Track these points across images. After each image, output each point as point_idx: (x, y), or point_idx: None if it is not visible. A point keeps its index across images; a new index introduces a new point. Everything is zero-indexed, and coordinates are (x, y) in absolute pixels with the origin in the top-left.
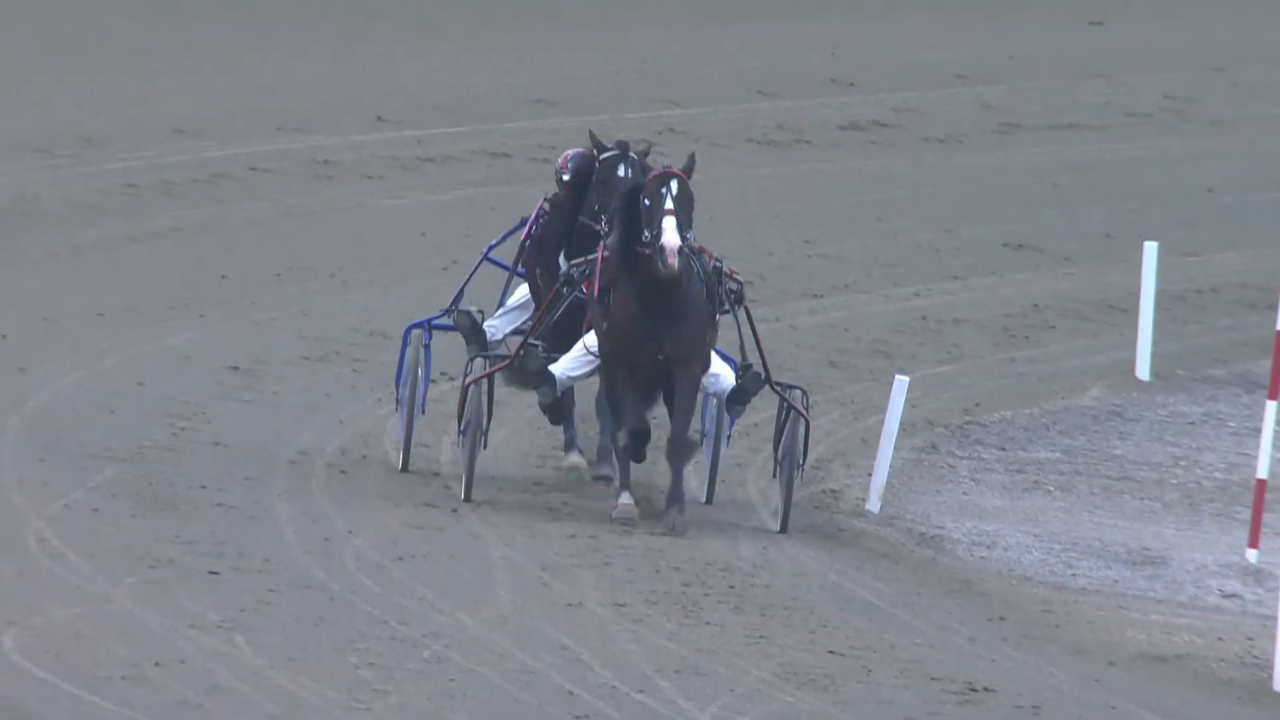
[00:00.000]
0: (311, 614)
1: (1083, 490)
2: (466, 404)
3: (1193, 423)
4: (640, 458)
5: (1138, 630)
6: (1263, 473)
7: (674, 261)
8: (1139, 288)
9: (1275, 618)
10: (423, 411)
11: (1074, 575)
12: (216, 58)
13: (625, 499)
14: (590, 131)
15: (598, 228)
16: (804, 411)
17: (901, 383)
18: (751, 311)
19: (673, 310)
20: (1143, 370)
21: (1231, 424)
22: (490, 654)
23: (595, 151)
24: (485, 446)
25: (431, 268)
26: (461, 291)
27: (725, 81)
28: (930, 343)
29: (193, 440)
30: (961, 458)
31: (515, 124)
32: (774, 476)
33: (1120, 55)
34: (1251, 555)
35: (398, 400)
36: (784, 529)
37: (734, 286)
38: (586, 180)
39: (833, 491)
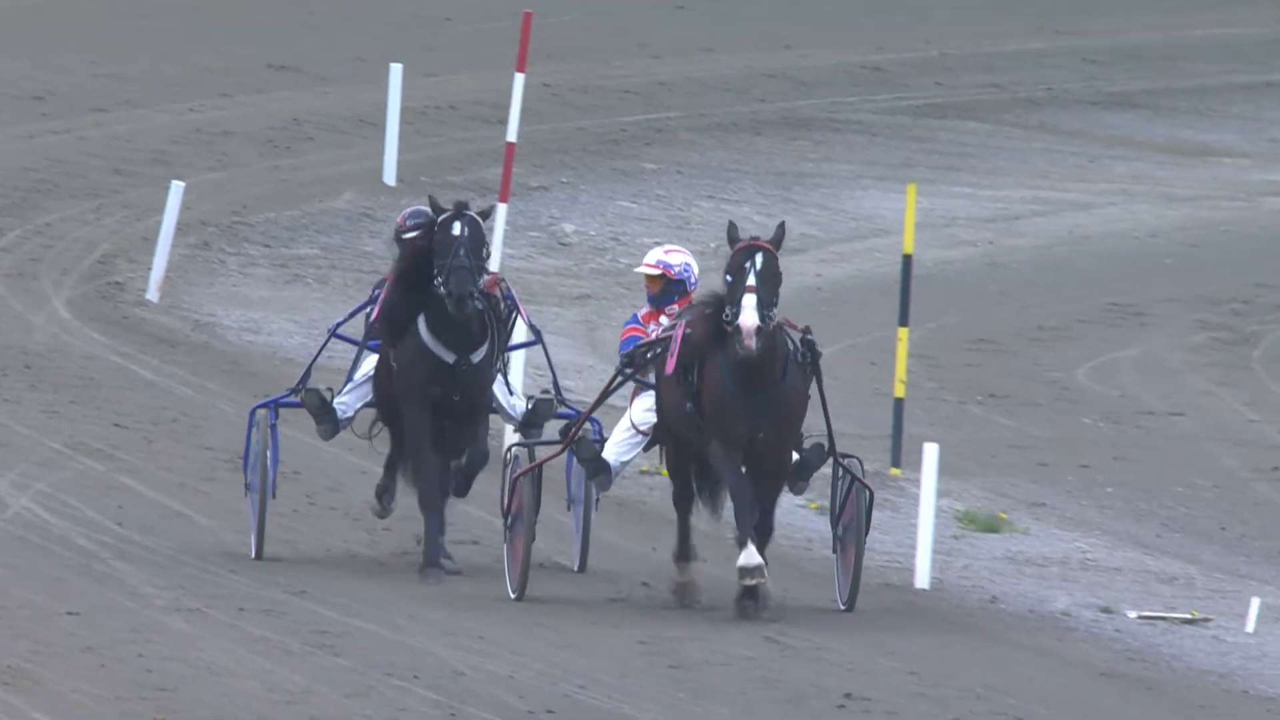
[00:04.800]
0: None
1: (338, 282)
2: (513, 497)
3: None
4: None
5: None
6: (494, 266)
7: (751, 344)
8: (386, 104)
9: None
10: (274, 496)
11: (331, 358)
12: None
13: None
14: (429, 196)
15: (439, 292)
16: (866, 483)
17: (177, 187)
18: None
19: (770, 392)
20: (389, 176)
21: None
22: None
23: (434, 215)
24: (534, 539)
25: None
26: (309, 371)
27: None
28: (203, 152)
29: None
30: (231, 254)
31: None
32: (833, 551)
33: None
34: None
35: (246, 486)
36: (851, 607)
37: (815, 358)
38: (430, 244)
39: (118, 284)
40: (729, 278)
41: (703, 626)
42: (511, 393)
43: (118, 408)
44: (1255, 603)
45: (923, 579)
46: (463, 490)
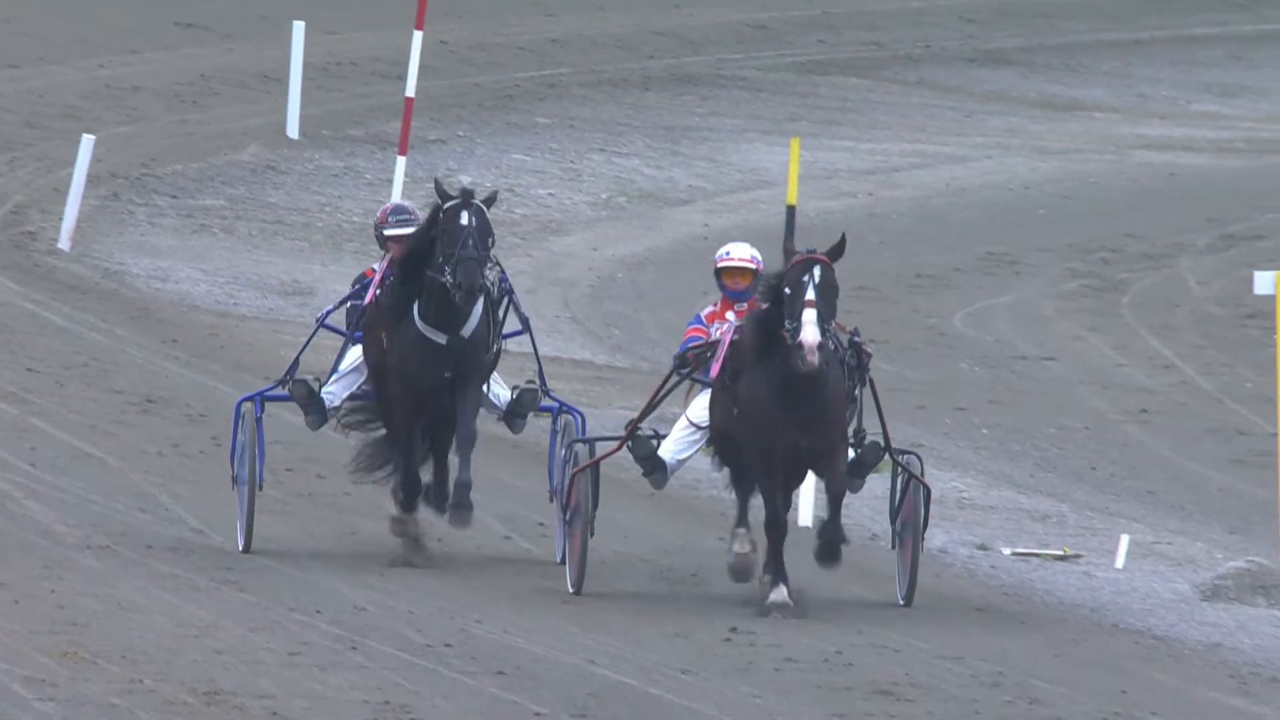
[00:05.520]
0: None
1: (243, 232)
2: (572, 492)
3: (335, 175)
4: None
5: (290, 350)
6: None
7: (814, 360)
8: (289, 61)
9: None
10: (261, 488)
11: (236, 304)
12: None
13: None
14: (436, 180)
15: (444, 280)
16: (923, 480)
17: (88, 141)
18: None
19: (813, 399)
20: (293, 130)
21: (368, 176)
22: None
23: (440, 201)
24: (592, 534)
25: None
26: (296, 362)
27: None
28: (113, 107)
29: None
30: (140, 205)
31: None
32: (892, 547)
33: None
34: None
35: (234, 479)
36: (909, 602)
37: (864, 360)
38: (430, 231)
39: (30, 234)
40: (787, 290)
41: (594, 564)
42: (498, 382)
43: (30, 353)
44: (1124, 540)
45: (806, 517)
46: (462, 474)
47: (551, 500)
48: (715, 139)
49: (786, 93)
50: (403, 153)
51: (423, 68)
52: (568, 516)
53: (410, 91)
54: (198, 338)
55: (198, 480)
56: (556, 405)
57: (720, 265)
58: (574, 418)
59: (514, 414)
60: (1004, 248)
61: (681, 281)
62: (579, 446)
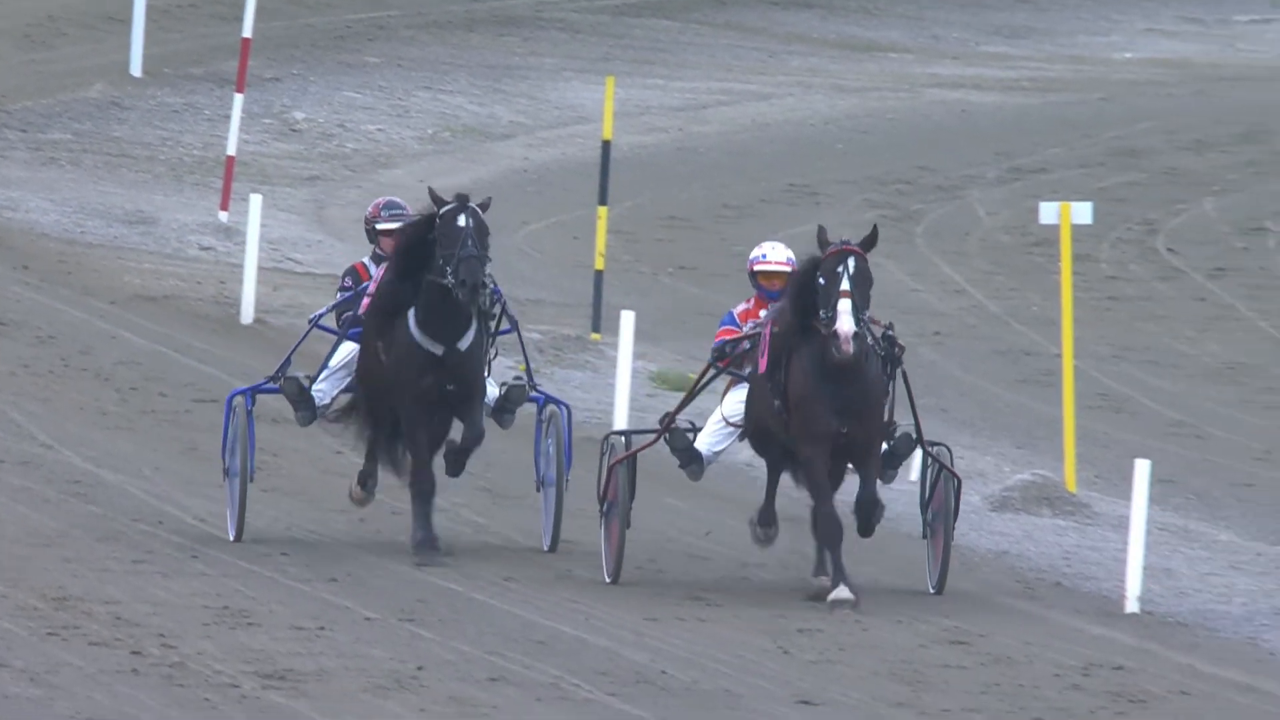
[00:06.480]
0: None
1: (90, 165)
2: (608, 484)
3: (176, 111)
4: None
5: (134, 276)
6: (231, 150)
7: (849, 349)
8: (133, 2)
9: (242, 266)
10: (252, 479)
11: (83, 233)
12: None
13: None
14: (429, 189)
15: (444, 282)
16: (954, 471)
17: None
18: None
19: (854, 387)
20: (136, 69)
21: (207, 112)
22: None
23: (435, 206)
24: (630, 525)
25: None
26: (289, 359)
27: None
28: None
29: None
30: None
31: None
32: (924, 537)
33: None
34: (223, 216)
35: (225, 470)
36: (941, 591)
37: (896, 352)
38: (427, 236)
39: None
40: (822, 280)
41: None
42: (487, 380)
43: None
44: (918, 454)
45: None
46: (456, 470)
47: (539, 491)
48: (535, 77)
49: (602, 34)
50: (240, 90)
51: (259, 10)
52: (604, 508)
53: (247, 32)
54: (47, 264)
55: (48, 398)
56: (542, 398)
57: (756, 268)
58: (560, 409)
59: (502, 409)
60: (806, 180)
61: (504, 212)
62: (615, 439)
